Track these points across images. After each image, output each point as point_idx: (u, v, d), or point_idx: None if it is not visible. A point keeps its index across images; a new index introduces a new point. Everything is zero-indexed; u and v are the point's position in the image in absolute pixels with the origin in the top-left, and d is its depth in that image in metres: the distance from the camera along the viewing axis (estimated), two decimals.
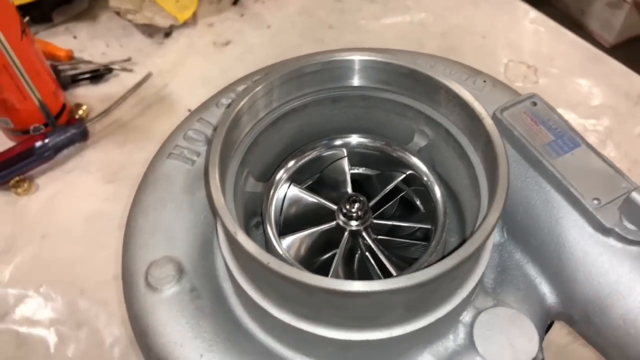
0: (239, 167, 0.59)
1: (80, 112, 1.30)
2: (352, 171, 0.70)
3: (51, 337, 1.03)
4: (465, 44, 1.47)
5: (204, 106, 0.72)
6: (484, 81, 0.71)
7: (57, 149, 1.22)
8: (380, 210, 0.68)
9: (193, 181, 0.66)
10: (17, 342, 1.02)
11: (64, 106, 1.27)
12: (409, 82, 0.62)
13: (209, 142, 0.66)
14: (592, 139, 1.29)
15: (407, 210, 0.71)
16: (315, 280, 0.46)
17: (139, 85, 1.32)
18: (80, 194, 1.21)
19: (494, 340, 0.57)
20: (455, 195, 0.66)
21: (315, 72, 0.62)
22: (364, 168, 0.72)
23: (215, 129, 0.65)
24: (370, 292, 0.46)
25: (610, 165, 0.62)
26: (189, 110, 1.34)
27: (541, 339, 0.60)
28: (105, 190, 1.21)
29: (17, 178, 1.18)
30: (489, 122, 0.55)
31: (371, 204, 0.64)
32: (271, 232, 0.61)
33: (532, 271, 0.63)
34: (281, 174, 0.65)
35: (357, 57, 0.62)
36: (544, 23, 1.52)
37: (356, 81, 0.64)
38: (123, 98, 1.30)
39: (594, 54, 1.43)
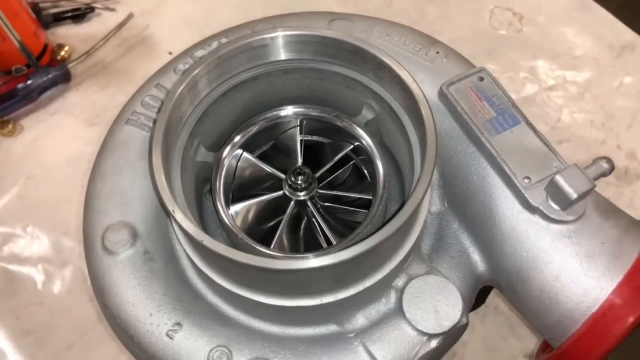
0: (187, 139, 0.62)
1: (63, 52, 1.31)
2: (305, 138, 0.73)
3: (38, 275, 1.10)
4: None
5: (162, 71, 0.74)
6: (437, 52, 0.72)
7: (40, 90, 1.24)
8: (331, 177, 0.71)
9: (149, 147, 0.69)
10: (6, 278, 1.09)
11: (45, 47, 1.28)
12: (356, 58, 0.63)
13: (154, 120, 0.68)
14: (570, 90, 1.30)
15: (357, 177, 0.74)
16: (242, 258, 0.50)
17: (120, 26, 1.32)
18: (64, 137, 1.24)
19: (421, 306, 0.62)
20: (399, 166, 0.69)
21: (262, 46, 0.63)
22: (317, 136, 0.74)
23: (159, 109, 0.68)
24: (290, 270, 0.50)
25: (546, 143, 0.64)
26: (170, 53, 1.35)
27: (468, 306, 0.65)
28: (87, 133, 1.24)
29: (1, 119, 1.21)
30: (425, 107, 0.57)
31: (317, 174, 0.67)
32: (218, 202, 0.64)
33: (466, 241, 0.68)
34: (230, 146, 0.68)
35: (304, 32, 0.63)
36: None
37: (306, 54, 0.65)
38: (105, 39, 1.30)
39: (583, 2, 1.40)
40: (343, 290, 0.58)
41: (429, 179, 0.54)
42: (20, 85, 1.22)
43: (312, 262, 0.50)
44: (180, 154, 0.61)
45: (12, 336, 1.04)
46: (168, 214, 0.59)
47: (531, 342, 1.04)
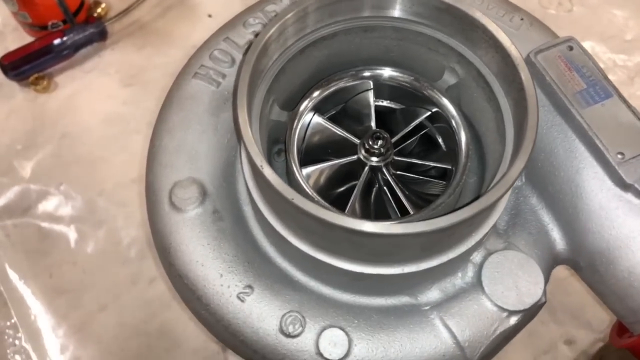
0: (265, 95, 0.59)
1: (99, 10, 1.27)
2: (376, 103, 0.69)
3: (71, 234, 1.08)
4: None
5: (231, 25, 0.71)
6: (521, 19, 0.69)
7: (76, 47, 1.20)
8: (401, 145, 0.68)
9: (218, 103, 0.66)
10: (40, 235, 1.07)
11: (82, 3, 1.24)
12: (446, 18, 0.60)
13: (238, 70, 0.65)
14: (620, 74, 1.26)
15: (427, 146, 0.71)
16: (336, 219, 0.48)
17: None
18: (99, 95, 1.21)
19: (501, 281, 0.59)
20: (479, 136, 0.66)
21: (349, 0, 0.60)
22: (388, 101, 0.71)
23: (243, 57, 0.64)
24: (390, 235, 0.48)
25: None
26: (209, 16, 1.31)
27: (546, 283, 0.62)
28: (123, 93, 1.21)
29: (36, 75, 1.18)
30: (524, 71, 0.54)
31: (394, 140, 0.64)
32: (293, 162, 0.62)
33: (546, 217, 0.65)
34: (305, 104, 0.65)
35: None
36: None
37: (390, 12, 0.62)
38: None
39: None
40: (426, 261, 0.55)
41: (531, 147, 0.51)
42: (56, 41, 1.18)
43: (413, 227, 0.47)
44: (259, 110, 0.57)
45: (45, 295, 1.02)
46: (249, 170, 0.57)
47: (571, 328, 1.03)
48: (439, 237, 0.51)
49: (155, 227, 0.62)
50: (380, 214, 0.66)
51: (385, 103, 0.71)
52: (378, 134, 0.62)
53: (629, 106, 0.62)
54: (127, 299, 1.03)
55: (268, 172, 0.49)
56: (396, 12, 0.61)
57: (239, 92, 0.52)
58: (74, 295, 1.03)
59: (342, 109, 0.70)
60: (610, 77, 1.24)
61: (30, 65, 1.17)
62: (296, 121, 0.64)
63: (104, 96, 1.21)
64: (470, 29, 0.59)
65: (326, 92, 0.65)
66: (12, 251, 1.05)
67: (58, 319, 1.01)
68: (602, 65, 1.24)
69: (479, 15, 0.57)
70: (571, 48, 0.65)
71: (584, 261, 0.63)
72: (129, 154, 1.13)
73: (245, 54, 0.63)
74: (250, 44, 0.60)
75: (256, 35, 0.68)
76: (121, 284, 1.04)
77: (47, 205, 1.10)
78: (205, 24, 1.29)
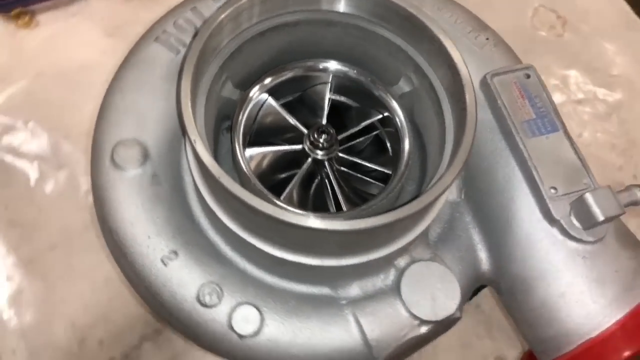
0: (217, 71, 0.59)
1: None
2: (333, 97, 0.70)
3: (32, 172, 1.08)
4: None
5: None
6: (487, 38, 0.69)
7: None
8: (351, 142, 0.69)
9: (175, 70, 0.66)
10: (1, 167, 1.07)
11: None
12: (406, 25, 0.60)
13: (190, 41, 0.65)
14: (598, 108, 1.27)
15: (377, 148, 0.72)
16: (256, 203, 0.49)
17: None
18: (80, 41, 1.20)
19: (419, 290, 0.61)
20: (425, 146, 0.67)
21: None
22: (345, 98, 0.72)
23: (196, 33, 0.65)
24: (302, 227, 0.49)
25: (580, 158, 0.62)
26: None
27: (464, 300, 0.64)
28: (103, 43, 1.20)
29: (19, 10, 1.17)
30: (470, 93, 0.55)
31: (340, 137, 0.65)
32: (237, 141, 0.62)
33: (476, 236, 0.66)
34: (259, 87, 0.65)
35: None
36: None
37: (352, 9, 0.62)
38: None
39: (631, 20, 1.36)
40: (347, 258, 0.57)
41: (461, 167, 0.52)
42: None
43: (326, 223, 0.48)
44: (208, 85, 0.58)
45: None
46: (188, 143, 0.57)
47: (505, 346, 1.04)
48: (356, 238, 0.53)
49: (95, 181, 0.63)
50: (319, 207, 0.67)
51: (342, 99, 0.72)
52: (324, 128, 0.63)
53: (572, 143, 0.63)
54: (78, 243, 1.03)
55: (200, 148, 0.50)
56: (358, 11, 0.62)
57: (186, 66, 0.52)
58: (26, 230, 1.03)
59: (299, 97, 0.71)
60: (588, 109, 1.27)
61: None
62: (247, 101, 0.65)
63: (84, 42, 1.20)
64: (428, 41, 0.59)
65: (280, 79, 0.66)
66: None
67: (8, 249, 1.01)
68: (580, 96, 1.26)
69: (437, 29, 0.58)
70: (528, 76, 0.65)
71: (505, 285, 0.65)
72: (99, 103, 1.12)
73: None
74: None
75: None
76: (74, 228, 1.05)
77: (13, 140, 1.10)
78: None
